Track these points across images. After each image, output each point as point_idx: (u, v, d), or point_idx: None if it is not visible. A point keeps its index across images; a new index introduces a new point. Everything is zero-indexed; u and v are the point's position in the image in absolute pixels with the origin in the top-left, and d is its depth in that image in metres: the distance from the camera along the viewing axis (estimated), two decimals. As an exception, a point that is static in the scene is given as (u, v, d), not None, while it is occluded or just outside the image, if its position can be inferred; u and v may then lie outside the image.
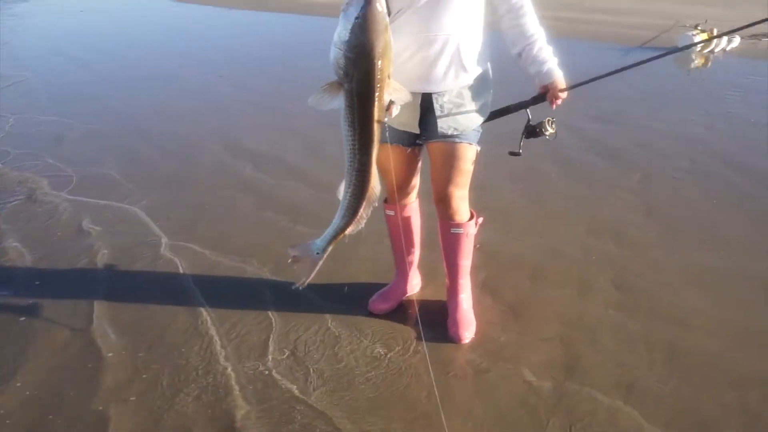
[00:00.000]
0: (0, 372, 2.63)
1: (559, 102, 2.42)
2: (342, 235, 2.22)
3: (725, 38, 8.59)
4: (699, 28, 8.64)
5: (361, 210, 2.15)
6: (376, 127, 1.97)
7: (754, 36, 9.11)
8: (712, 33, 8.56)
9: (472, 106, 2.43)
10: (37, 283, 3.29)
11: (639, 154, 4.84)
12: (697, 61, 8.38)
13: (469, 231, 2.70)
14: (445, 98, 2.38)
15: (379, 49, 1.83)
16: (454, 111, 2.40)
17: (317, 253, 2.29)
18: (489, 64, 2.51)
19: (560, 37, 9.61)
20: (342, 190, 2.14)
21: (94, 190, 4.42)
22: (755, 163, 4.60)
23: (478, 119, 2.49)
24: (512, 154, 2.55)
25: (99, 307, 3.03)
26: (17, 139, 5.67)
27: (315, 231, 3.65)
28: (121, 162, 5.00)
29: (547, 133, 2.52)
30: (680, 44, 8.63)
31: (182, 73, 8.38)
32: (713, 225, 3.69)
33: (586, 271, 3.23)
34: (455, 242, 2.72)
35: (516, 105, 2.53)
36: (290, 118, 5.91)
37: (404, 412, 2.35)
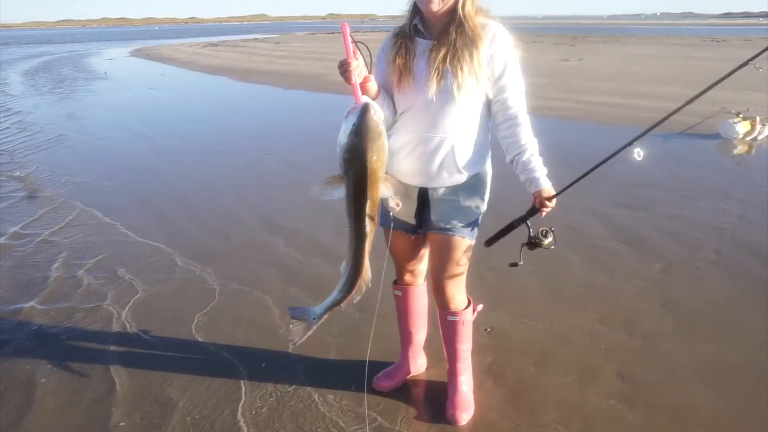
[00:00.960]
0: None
1: (546, 210, 2.52)
2: (338, 307, 2.46)
3: (769, 126, 8.59)
4: (741, 115, 8.66)
5: (355, 290, 2.39)
6: (367, 220, 2.21)
7: (801, 123, 9.06)
8: (755, 121, 8.57)
9: (464, 203, 2.58)
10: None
11: (664, 243, 4.86)
12: (740, 149, 8.36)
13: (465, 318, 2.81)
14: (440, 192, 2.55)
15: (371, 153, 2.09)
16: (446, 206, 2.57)
17: (313, 318, 2.52)
18: (488, 167, 2.65)
19: (603, 123, 9.78)
20: (343, 267, 2.39)
21: (129, 262, 4.73)
22: (783, 255, 4.56)
23: (469, 217, 2.62)
24: (512, 265, 2.64)
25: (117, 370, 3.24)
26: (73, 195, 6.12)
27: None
28: (160, 233, 5.32)
29: (545, 242, 2.59)
30: (721, 131, 8.69)
31: (234, 149, 8.87)
32: (730, 318, 3.67)
33: (592, 360, 3.26)
34: (452, 329, 2.83)
35: (518, 219, 2.64)
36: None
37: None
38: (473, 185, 2.58)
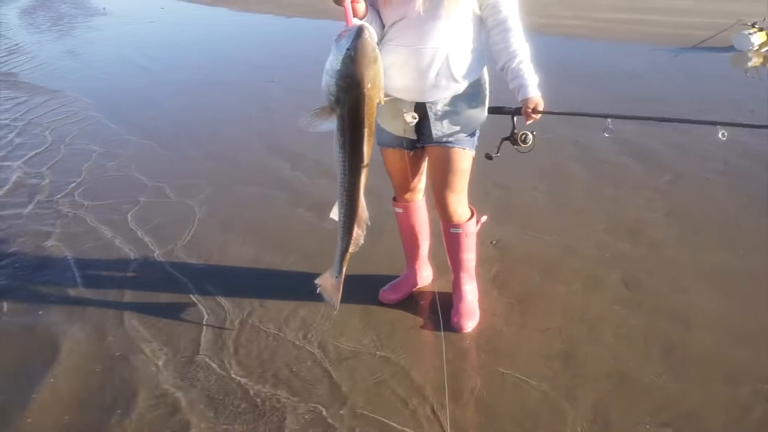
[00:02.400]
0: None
1: (531, 120, 2.49)
2: (348, 255, 2.40)
3: (786, 36, 8.33)
4: (756, 26, 8.39)
5: (356, 229, 2.31)
6: (365, 150, 2.11)
7: (817, 34, 8.78)
8: (771, 31, 8.32)
9: (464, 113, 2.55)
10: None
11: (673, 156, 4.81)
12: (755, 60, 8.13)
13: (469, 230, 2.82)
14: (438, 106, 2.52)
15: (368, 79, 1.98)
16: (446, 118, 2.54)
17: (336, 277, 2.50)
18: (485, 73, 2.61)
19: (612, 40, 9.51)
20: (335, 211, 2.32)
21: (137, 190, 4.76)
22: (794, 164, 4.51)
23: (471, 126, 2.60)
24: (487, 157, 2.63)
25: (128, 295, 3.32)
26: (79, 137, 6.12)
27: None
28: (167, 162, 5.33)
29: (523, 145, 2.57)
30: (735, 43, 8.43)
31: (237, 78, 8.74)
32: (735, 225, 3.67)
33: (597, 269, 3.29)
34: (455, 241, 2.85)
35: (508, 109, 2.62)
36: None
37: (402, 390, 2.51)
38: (472, 93, 2.55)
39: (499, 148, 2.61)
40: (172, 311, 3.15)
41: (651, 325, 2.81)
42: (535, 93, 2.44)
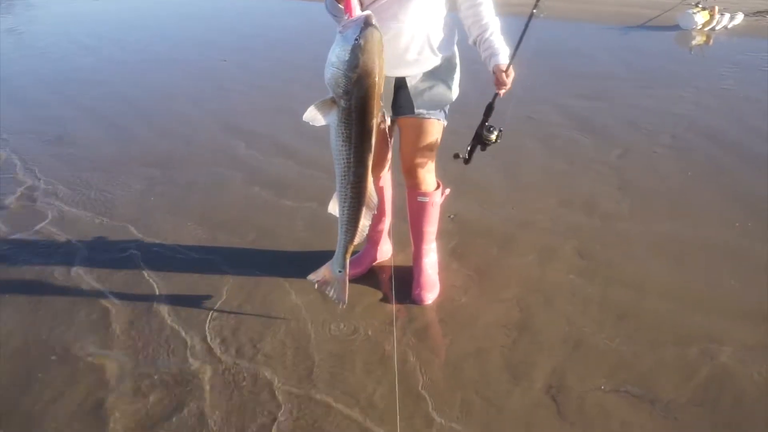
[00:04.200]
0: None
1: (504, 90, 2.51)
2: (351, 247, 2.33)
3: (727, 15, 8.58)
4: (700, 5, 8.63)
5: (362, 220, 2.24)
6: (373, 141, 2.06)
7: (759, 13, 9.08)
8: (713, 11, 8.55)
9: (442, 85, 2.60)
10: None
11: (622, 131, 4.93)
12: (698, 39, 8.37)
13: (434, 200, 2.86)
14: (418, 79, 2.55)
15: (378, 69, 1.94)
16: (425, 91, 2.57)
17: (339, 272, 2.41)
18: (456, 47, 2.64)
19: (561, 19, 9.63)
20: (335, 207, 2.24)
21: (89, 172, 4.62)
22: (737, 137, 4.69)
23: (446, 99, 2.65)
24: (455, 157, 2.71)
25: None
26: (19, 123, 5.90)
27: (298, 203, 3.86)
28: (119, 143, 5.19)
29: (491, 137, 2.65)
30: (680, 23, 8.66)
31: (188, 56, 8.54)
32: (684, 197, 3.80)
33: (552, 241, 3.36)
34: (421, 210, 2.88)
35: (480, 125, 2.66)
36: (286, 98, 6.03)
37: (363, 362, 2.53)
38: (447, 67, 2.60)
39: (467, 151, 2.71)
40: (127, 288, 3.10)
41: (605, 293, 2.90)
42: (505, 60, 2.47)
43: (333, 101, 1.98)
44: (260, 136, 5.15)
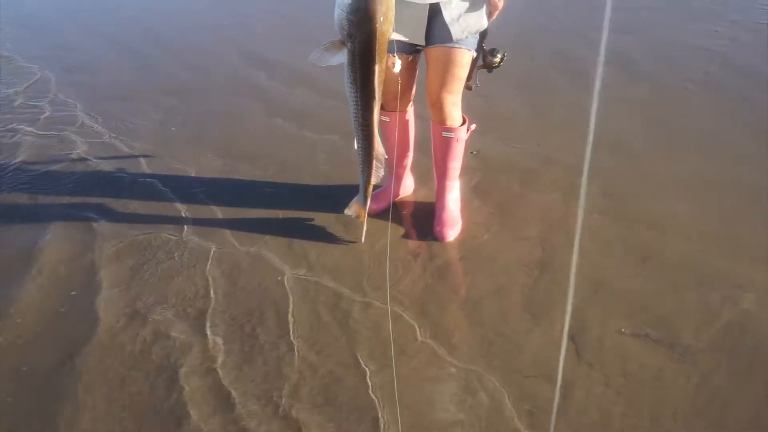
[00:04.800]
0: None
1: (496, 12, 2.52)
2: (370, 186, 2.46)
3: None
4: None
5: (373, 165, 2.33)
6: (377, 85, 2.05)
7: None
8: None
9: (473, 13, 2.51)
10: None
11: (653, 66, 4.77)
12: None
13: (460, 136, 2.81)
14: (453, 4, 2.46)
15: (380, 13, 1.88)
16: (460, 18, 2.49)
17: (363, 205, 2.59)
18: None
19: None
20: (355, 143, 2.30)
21: (110, 101, 4.59)
22: (772, 75, 4.52)
23: (479, 25, 2.56)
24: (467, 88, 2.72)
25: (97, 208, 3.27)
26: (36, 42, 5.84)
27: (320, 135, 3.83)
28: (138, 72, 5.14)
29: (495, 60, 2.67)
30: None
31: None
32: (713, 136, 3.69)
33: (576, 178, 3.30)
34: (445, 145, 2.83)
35: (477, 48, 2.66)
36: (308, 27, 5.91)
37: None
38: None
39: (475, 77, 2.69)
40: (151, 220, 3.13)
41: (628, 233, 2.87)
42: None
43: (341, 43, 1.96)
44: (281, 66, 5.07)
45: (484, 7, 2.56)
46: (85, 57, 5.54)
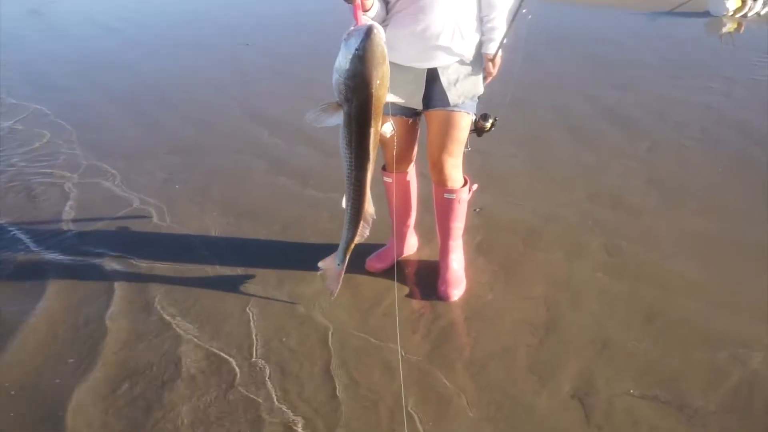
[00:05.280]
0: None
1: (490, 78, 2.65)
2: (352, 245, 2.41)
3: (760, 1, 8.38)
4: (732, -9, 8.44)
5: (360, 225, 2.31)
6: (371, 148, 2.08)
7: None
8: (745, -4, 8.37)
9: (473, 75, 2.60)
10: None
11: (650, 122, 4.85)
12: (729, 26, 8.19)
13: (462, 197, 2.83)
14: (450, 70, 2.54)
15: (376, 79, 1.93)
16: (458, 82, 2.56)
17: (338, 265, 2.49)
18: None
19: (589, 5, 9.46)
20: (344, 202, 2.29)
21: (114, 158, 4.65)
22: (768, 130, 4.59)
23: (476, 89, 2.65)
24: None
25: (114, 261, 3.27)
26: (45, 102, 5.94)
27: (322, 193, 3.86)
28: (142, 127, 5.22)
29: (486, 125, 2.81)
30: (711, 9, 8.48)
31: (210, 41, 8.55)
32: (713, 193, 3.73)
33: (579, 236, 3.32)
34: (447, 207, 2.85)
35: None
36: (308, 85, 6.03)
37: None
38: (477, 56, 2.60)
39: (467, 140, 2.76)
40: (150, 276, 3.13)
41: (633, 292, 2.86)
42: (493, 49, 2.55)
43: (338, 105, 2.00)
44: (284, 124, 5.14)
45: (481, 72, 2.65)
46: (90, 115, 5.63)
